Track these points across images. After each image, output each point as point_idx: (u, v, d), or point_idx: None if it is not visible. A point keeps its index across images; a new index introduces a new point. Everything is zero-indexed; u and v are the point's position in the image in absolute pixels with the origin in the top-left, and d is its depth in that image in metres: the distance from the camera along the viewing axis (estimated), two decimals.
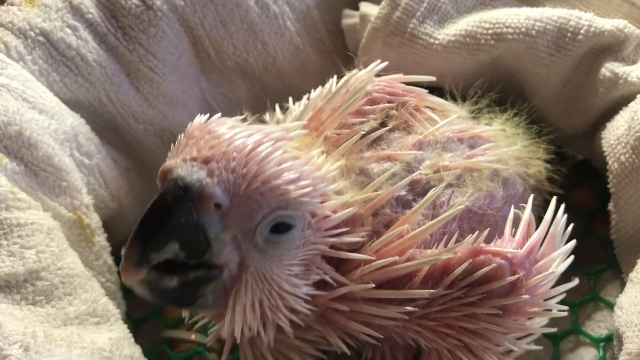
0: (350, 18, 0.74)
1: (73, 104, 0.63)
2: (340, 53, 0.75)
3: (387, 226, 0.53)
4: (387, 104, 0.58)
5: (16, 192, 0.52)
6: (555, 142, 0.74)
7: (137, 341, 0.63)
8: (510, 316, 0.52)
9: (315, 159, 0.50)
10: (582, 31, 0.65)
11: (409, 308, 0.51)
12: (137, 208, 0.70)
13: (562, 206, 0.57)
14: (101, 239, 0.61)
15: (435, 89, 0.67)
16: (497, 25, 0.67)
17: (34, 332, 0.44)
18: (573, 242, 0.56)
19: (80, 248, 0.58)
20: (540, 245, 0.54)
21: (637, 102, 0.62)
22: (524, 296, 0.51)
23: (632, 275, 0.60)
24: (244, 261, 0.47)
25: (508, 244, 0.52)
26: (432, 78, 0.62)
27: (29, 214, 0.51)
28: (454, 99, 0.65)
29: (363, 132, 0.55)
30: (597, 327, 0.66)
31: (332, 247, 0.51)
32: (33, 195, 0.54)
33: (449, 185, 0.55)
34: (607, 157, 0.63)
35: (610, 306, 0.64)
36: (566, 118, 0.70)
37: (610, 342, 0.63)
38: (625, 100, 0.65)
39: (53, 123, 0.58)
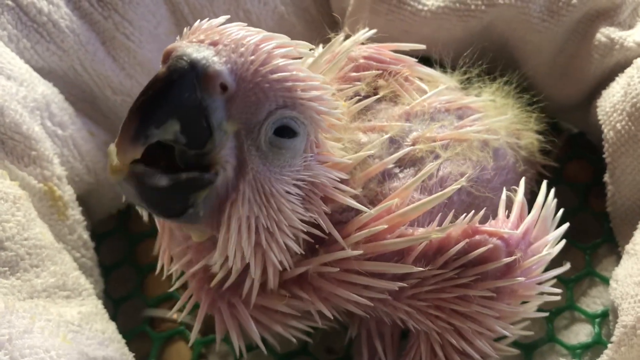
0: None
1: (46, 73, 0.61)
2: (326, 23, 0.72)
3: (372, 202, 0.51)
4: (374, 72, 0.55)
5: None
6: (549, 114, 0.72)
7: (117, 321, 0.61)
8: (504, 299, 0.50)
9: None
10: None
11: (397, 284, 0.48)
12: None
13: (553, 190, 0.55)
14: (75, 213, 0.59)
15: (423, 59, 0.65)
16: None
17: None
18: (566, 225, 0.54)
19: (52, 221, 0.56)
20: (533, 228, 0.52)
21: (633, 68, 0.60)
22: (520, 278, 0.49)
23: (628, 247, 0.58)
24: (243, 166, 0.43)
25: (503, 225, 0.50)
26: (422, 46, 0.59)
27: None
28: (443, 68, 0.63)
29: (358, 98, 0.53)
30: (592, 303, 0.63)
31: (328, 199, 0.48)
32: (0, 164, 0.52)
33: (438, 156, 0.53)
34: (603, 126, 0.61)
35: (606, 281, 0.62)
36: (560, 88, 0.68)
37: (606, 318, 0.61)
38: (621, 67, 0.62)
39: (22, 90, 0.56)
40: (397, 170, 0.52)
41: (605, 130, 0.61)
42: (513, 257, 0.49)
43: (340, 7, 0.71)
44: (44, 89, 0.59)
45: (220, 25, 0.44)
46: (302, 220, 0.47)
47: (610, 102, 0.61)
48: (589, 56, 0.64)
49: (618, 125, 0.59)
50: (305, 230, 0.48)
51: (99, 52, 0.63)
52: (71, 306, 0.50)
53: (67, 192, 0.58)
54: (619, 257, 0.62)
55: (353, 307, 0.51)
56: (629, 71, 0.60)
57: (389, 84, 0.56)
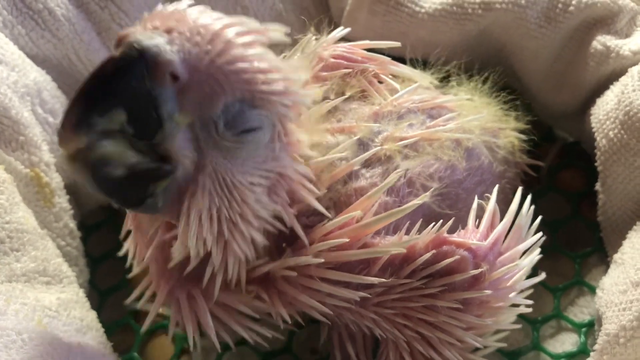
0: None
1: (40, 61, 0.61)
2: (325, 22, 0.72)
3: (336, 204, 0.49)
4: (343, 71, 0.54)
5: None
6: (545, 121, 0.72)
7: (102, 312, 0.60)
8: (472, 311, 0.49)
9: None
10: (573, 2, 0.62)
11: (361, 294, 0.48)
12: None
13: (529, 197, 0.53)
14: (62, 201, 0.59)
15: (415, 60, 0.64)
16: None
17: None
18: (539, 235, 0.53)
19: (37, 207, 0.55)
20: (505, 237, 0.51)
21: (628, 76, 0.59)
22: (486, 291, 0.48)
23: (616, 256, 0.57)
24: (201, 159, 0.42)
25: (472, 235, 0.49)
26: (397, 44, 0.57)
27: None
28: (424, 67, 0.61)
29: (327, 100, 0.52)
30: (579, 312, 0.63)
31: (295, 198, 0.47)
32: None
33: (406, 157, 0.51)
34: (596, 134, 0.61)
35: (594, 291, 0.61)
36: (556, 95, 0.67)
37: (592, 328, 0.60)
38: (616, 76, 0.62)
39: (13, 75, 0.56)
40: (363, 170, 0.50)
41: (598, 138, 0.60)
42: (479, 270, 0.48)
43: (339, 7, 0.71)
44: (36, 75, 0.59)
45: (181, 8, 0.42)
46: (267, 210, 0.46)
47: (604, 110, 0.60)
48: (585, 64, 0.63)
49: (611, 133, 0.59)
50: (270, 221, 0.46)
51: (94, 42, 0.63)
52: (50, 292, 0.50)
53: (55, 180, 0.58)
54: (608, 267, 0.62)
55: (317, 314, 0.50)
56: (623, 79, 0.60)
57: (358, 82, 0.54)
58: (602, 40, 0.62)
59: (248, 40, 0.41)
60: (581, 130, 0.68)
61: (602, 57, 0.62)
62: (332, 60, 0.54)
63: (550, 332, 0.62)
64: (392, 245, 0.48)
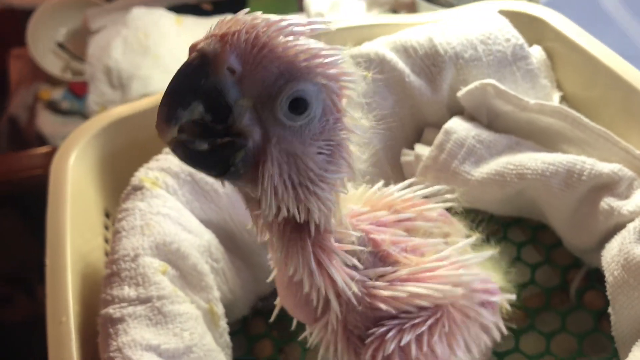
0: (407, 156, 0.97)
1: (207, 223, 0.87)
2: (398, 180, 0.96)
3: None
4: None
5: (176, 291, 0.75)
6: (572, 254, 0.93)
7: None
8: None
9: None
10: (585, 173, 0.85)
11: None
12: (244, 298, 0.92)
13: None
14: (223, 323, 0.83)
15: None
16: (519, 167, 0.88)
17: None
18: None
19: (211, 329, 0.80)
20: None
21: (626, 230, 0.81)
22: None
23: None
24: (267, 133, 0.51)
25: None
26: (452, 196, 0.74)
27: (185, 306, 0.75)
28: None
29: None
30: None
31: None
32: (184, 292, 0.78)
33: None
34: (605, 271, 0.82)
35: None
36: (576, 237, 0.89)
37: None
38: (619, 227, 0.82)
39: (197, 239, 0.82)
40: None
41: (607, 275, 0.81)
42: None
43: (410, 173, 0.96)
44: (208, 236, 0.85)
45: (234, 17, 0.50)
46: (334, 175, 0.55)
47: (610, 255, 0.82)
48: (596, 216, 0.85)
49: (615, 272, 0.80)
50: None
51: (242, 209, 0.89)
52: None
53: (220, 309, 0.83)
54: None
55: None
56: (623, 232, 0.81)
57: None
58: (607, 201, 0.84)
59: (288, 31, 0.50)
60: (599, 261, 0.89)
61: (607, 214, 0.84)
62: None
63: None
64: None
